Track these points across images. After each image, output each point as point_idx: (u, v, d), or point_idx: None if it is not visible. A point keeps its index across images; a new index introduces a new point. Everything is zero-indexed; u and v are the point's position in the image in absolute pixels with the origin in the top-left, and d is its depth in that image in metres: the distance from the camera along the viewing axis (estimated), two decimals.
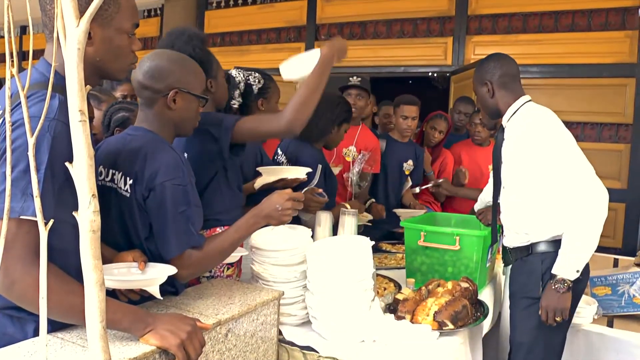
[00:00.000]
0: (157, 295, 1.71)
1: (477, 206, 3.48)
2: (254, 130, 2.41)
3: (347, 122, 3.60)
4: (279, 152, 3.46)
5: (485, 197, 3.38)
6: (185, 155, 2.43)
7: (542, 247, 2.64)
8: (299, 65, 2.55)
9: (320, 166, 3.19)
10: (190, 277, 1.94)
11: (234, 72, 3.02)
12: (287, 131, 2.33)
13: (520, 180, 2.67)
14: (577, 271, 2.49)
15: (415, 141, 4.86)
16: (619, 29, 5.65)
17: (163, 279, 1.73)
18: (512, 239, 2.78)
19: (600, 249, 5.33)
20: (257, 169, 2.96)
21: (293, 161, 3.32)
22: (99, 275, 0.81)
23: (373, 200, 4.13)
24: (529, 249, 2.68)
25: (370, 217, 3.76)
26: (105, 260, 1.77)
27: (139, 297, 1.80)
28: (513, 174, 2.71)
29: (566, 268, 2.49)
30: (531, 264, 2.67)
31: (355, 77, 4.36)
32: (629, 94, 5.54)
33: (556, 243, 2.58)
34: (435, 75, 6.90)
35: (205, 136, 2.40)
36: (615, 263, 4.16)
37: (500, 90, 2.80)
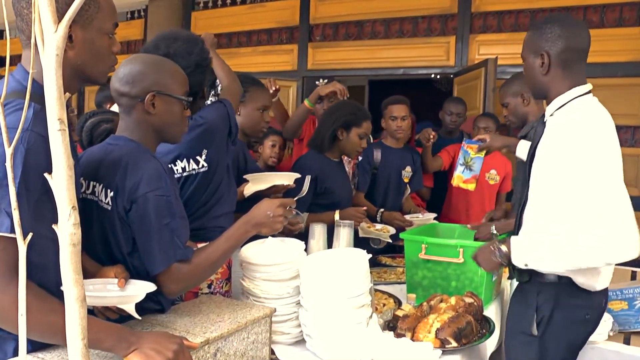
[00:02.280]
0: (134, 314, 1.73)
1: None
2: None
3: (356, 126, 3.67)
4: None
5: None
6: (205, 151, 2.64)
7: (542, 276, 2.33)
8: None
9: (309, 176, 3.23)
10: (180, 292, 1.97)
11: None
12: None
13: (545, 194, 2.28)
14: (526, 265, 2.24)
15: (410, 144, 4.94)
16: (634, 24, 5.72)
17: (139, 297, 1.75)
18: (516, 257, 2.33)
19: None
20: (245, 176, 3.03)
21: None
22: (80, 290, 0.84)
23: (382, 210, 4.16)
24: (530, 274, 2.37)
25: (392, 230, 3.82)
26: (89, 275, 1.81)
27: (117, 316, 1.81)
28: (539, 184, 2.32)
29: (522, 251, 2.25)
30: (527, 293, 2.40)
31: (321, 80, 4.49)
32: None
33: (561, 276, 2.30)
34: (438, 77, 6.95)
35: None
36: (633, 276, 4.16)
37: (558, 69, 2.32)
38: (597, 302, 2.36)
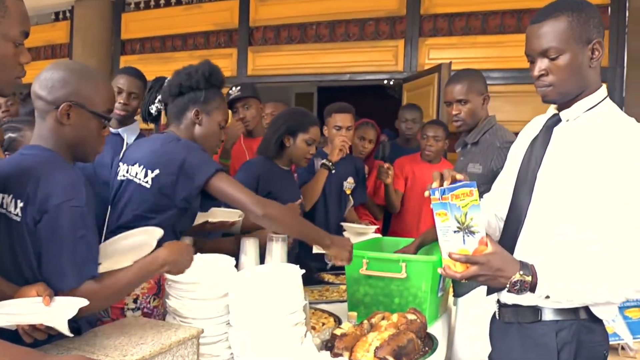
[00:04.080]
0: (66, 331, 1.72)
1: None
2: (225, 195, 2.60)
3: (302, 131, 3.70)
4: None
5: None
6: (157, 171, 2.60)
7: (558, 314, 2.05)
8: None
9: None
10: (88, 312, 1.96)
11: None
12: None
13: (570, 211, 2.01)
14: (547, 297, 1.93)
15: (370, 158, 4.99)
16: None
17: (72, 313, 1.73)
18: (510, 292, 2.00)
19: None
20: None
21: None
22: None
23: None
24: (538, 313, 2.08)
25: (372, 227, 3.93)
26: (5, 296, 1.79)
27: (46, 336, 1.78)
28: (559, 199, 2.03)
29: (552, 285, 1.92)
30: (541, 336, 2.08)
31: (234, 88, 4.48)
32: None
33: (577, 308, 2.03)
34: (391, 82, 7.02)
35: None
36: None
37: (598, 61, 2.04)
38: (607, 334, 2.14)
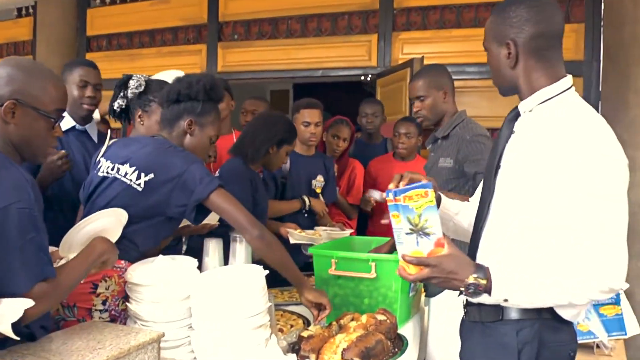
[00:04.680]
0: (10, 334, 1.72)
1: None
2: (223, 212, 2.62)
3: (287, 143, 3.80)
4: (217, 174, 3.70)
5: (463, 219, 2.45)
6: (152, 175, 2.60)
7: (520, 313, 2.04)
8: None
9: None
10: (40, 313, 1.94)
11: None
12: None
13: (527, 204, 1.99)
14: (506, 300, 1.94)
15: (343, 156, 5.00)
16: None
17: (17, 315, 1.73)
18: None
19: None
20: None
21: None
22: None
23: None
24: (499, 312, 2.07)
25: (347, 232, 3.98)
26: None
27: None
28: (517, 192, 2.04)
29: (504, 284, 1.92)
30: (502, 335, 2.08)
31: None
32: None
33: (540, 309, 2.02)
34: (368, 78, 7.02)
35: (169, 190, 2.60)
36: None
37: (530, 59, 2.07)
38: (574, 334, 2.15)
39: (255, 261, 2.90)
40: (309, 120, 4.37)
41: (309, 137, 4.38)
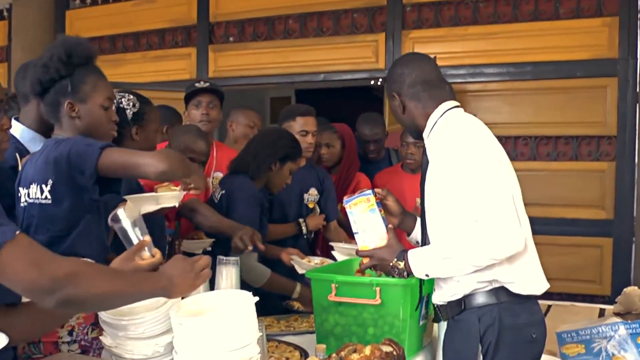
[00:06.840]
0: None
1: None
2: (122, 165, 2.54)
3: (292, 160, 3.83)
4: (219, 188, 3.84)
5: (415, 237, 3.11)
6: (51, 182, 2.53)
7: (479, 300, 2.60)
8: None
9: None
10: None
11: None
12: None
13: (440, 213, 2.68)
14: (427, 275, 2.63)
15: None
16: (594, 15, 5.80)
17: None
18: (440, 292, 2.73)
19: (583, 297, 5.33)
20: (125, 197, 2.95)
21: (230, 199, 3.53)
22: None
23: None
24: (462, 303, 2.64)
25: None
26: None
27: None
28: (432, 206, 2.72)
29: (420, 262, 2.61)
30: (466, 322, 2.62)
31: (202, 82, 4.51)
32: (610, 97, 5.61)
33: (497, 292, 2.58)
34: (379, 82, 6.94)
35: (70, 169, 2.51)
36: (602, 313, 4.17)
37: (411, 102, 2.80)
38: (538, 317, 2.70)
39: (244, 286, 2.83)
40: (306, 129, 4.30)
41: (306, 147, 4.27)
